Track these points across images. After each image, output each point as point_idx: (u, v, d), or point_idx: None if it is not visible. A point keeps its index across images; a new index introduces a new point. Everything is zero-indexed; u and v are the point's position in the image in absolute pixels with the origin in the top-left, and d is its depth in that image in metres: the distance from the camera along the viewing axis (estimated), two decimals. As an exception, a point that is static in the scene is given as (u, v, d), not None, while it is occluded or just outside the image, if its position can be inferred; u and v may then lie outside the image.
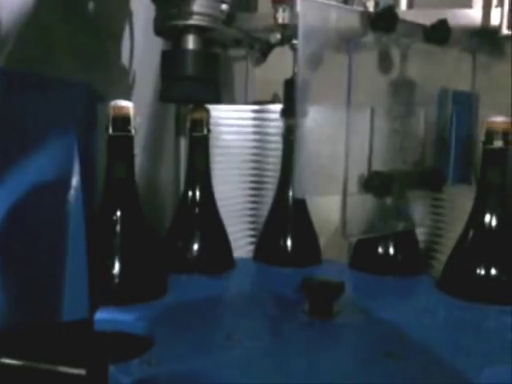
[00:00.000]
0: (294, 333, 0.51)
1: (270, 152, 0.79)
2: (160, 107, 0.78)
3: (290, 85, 0.69)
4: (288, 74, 0.79)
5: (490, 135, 0.58)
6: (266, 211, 0.79)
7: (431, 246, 0.74)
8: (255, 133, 0.80)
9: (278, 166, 0.78)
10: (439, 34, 0.56)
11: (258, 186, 0.81)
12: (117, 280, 0.54)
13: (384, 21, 0.51)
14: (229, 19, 0.63)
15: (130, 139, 0.55)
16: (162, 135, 0.82)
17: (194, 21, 0.59)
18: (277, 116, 0.78)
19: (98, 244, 0.53)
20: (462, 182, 0.64)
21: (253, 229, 0.82)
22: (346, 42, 0.50)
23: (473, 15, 0.62)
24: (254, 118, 0.80)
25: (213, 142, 0.71)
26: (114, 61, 0.73)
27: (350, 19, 0.51)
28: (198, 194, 0.69)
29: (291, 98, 0.68)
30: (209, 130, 0.68)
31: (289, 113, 0.70)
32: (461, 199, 0.66)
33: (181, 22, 0.59)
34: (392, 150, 0.55)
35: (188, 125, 0.68)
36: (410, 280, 0.68)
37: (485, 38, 0.60)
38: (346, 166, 0.52)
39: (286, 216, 0.75)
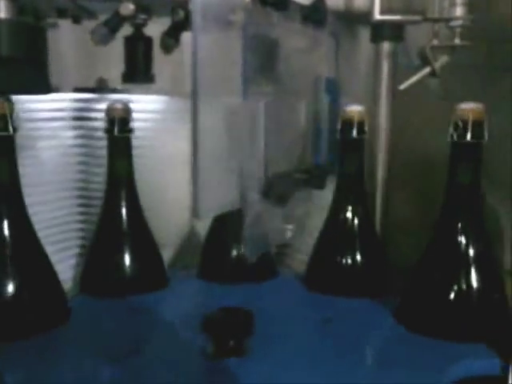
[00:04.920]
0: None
1: (101, 152, 0.64)
2: None
3: (132, 43, 0.55)
4: (104, 55, 0.65)
5: (347, 125, 0.55)
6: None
7: (290, 244, 0.70)
8: (79, 128, 0.64)
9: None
10: (318, 14, 0.50)
11: (85, 194, 0.65)
12: None
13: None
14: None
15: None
16: None
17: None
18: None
19: None
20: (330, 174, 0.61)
21: (82, 246, 0.66)
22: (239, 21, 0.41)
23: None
24: (77, 110, 0.63)
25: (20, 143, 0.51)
26: None
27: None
28: (5, 222, 0.49)
29: (134, 60, 0.56)
30: (14, 129, 0.48)
31: (132, 78, 0.56)
32: (322, 193, 0.63)
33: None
34: (281, 147, 0.47)
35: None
36: (272, 284, 0.62)
37: (349, 22, 0.57)
38: (242, 170, 0.42)
39: (119, 233, 0.60)
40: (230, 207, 0.43)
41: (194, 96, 0.36)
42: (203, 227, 0.71)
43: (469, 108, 0.45)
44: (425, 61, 0.55)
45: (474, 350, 0.44)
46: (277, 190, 0.44)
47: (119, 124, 0.57)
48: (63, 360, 0.45)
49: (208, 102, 0.39)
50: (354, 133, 0.55)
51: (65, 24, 0.67)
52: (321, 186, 0.52)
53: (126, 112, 0.57)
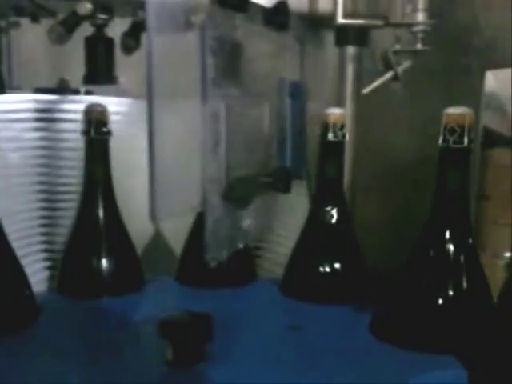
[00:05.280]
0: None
1: (64, 153, 0.63)
2: None
3: (93, 44, 0.55)
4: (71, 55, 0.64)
5: (327, 128, 0.55)
6: (62, 228, 0.64)
7: (262, 246, 0.70)
8: (41, 129, 0.62)
9: (76, 172, 0.63)
10: (280, 17, 0.50)
11: (49, 196, 0.64)
12: None
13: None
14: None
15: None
16: None
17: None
18: (71, 107, 0.62)
19: None
20: (295, 177, 0.61)
21: (45, 250, 0.65)
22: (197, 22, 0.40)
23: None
24: (39, 111, 0.62)
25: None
26: None
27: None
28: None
29: (95, 61, 0.55)
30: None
31: (93, 79, 0.56)
32: (290, 195, 0.62)
33: None
34: (243, 150, 0.47)
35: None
36: (249, 288, 0.63)
37: (314, 25, 0.57)
38: (204, 173, 0.42)
39: (96, 234, 0.60)
40: (192, 211, 0.43)
41: (149, 98, 0.35)
42: (171, 231, 0.71)
43: (462, 113, 0.44)
44: (387, 65, 0.55)
45: (442, 362, 0.43)
46: (238, 194, 0.43)
47: (96, 126, 0.57)
48: (19, 361, 0.44)
49: (165, 104, 0.38)
50: (336, 136, 0.55)
51: (30, 24, 0.66)
52: (286, 189, 0.52)
53: (104, 114, 0.57)
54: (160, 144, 0.37)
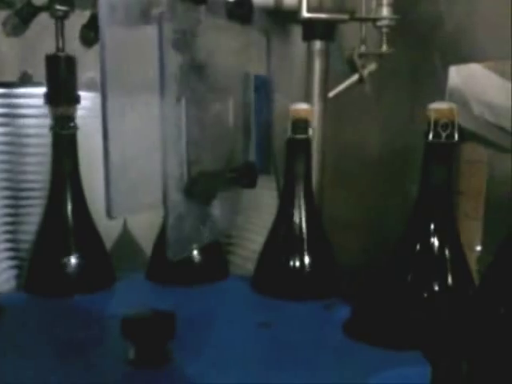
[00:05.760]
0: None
1: (28, 149, 0.62)
2: None
3: (54, 62, 0.54)
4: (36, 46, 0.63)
5: (295, 124, 0.55)
6: (27, 226, 0.63)
7: (231, 241, 0.69)
8: (4, 125, 0.61)
9: (40, 168, 0.62)
10: (243, 11, 0.49)
11: (14, 194, 0.63)
12: None
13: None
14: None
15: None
16: None
17: None
18: (34, 102, 0.61)
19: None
20: (261, 172, 0.60)
21: (11, 249, 0.64)
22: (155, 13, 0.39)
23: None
24: (1, 106, 0.61)
25: None
26: None
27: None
28: None
29: (58, 80, 0.54)
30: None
31: (56, 99, 0.55)
32: (260, 190, 0.62)
33: None
34: (205, 146, 0.46)
35: None
36: (221, 285, 0.62)
37: (278, 19, 0.56)
38: (165, 168, 0.41)
39: (64, 231, 0.59)
40: (153, 208, 0.42)
41: (103, 91, 0.35)
42: (142, 227, 0.70)
43: (451, 107, 0.44)
44: (353, 68, 0.55)
45: (406, 358, 0.43)
46: (200, 189, 0.43)
47: (63, 121, 0.56)
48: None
49: (122, 98, 0.38)
50: (303, 132, 0.55)
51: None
52: (251, 184, 0.51)
53: (71, 109, 0.56)
54: (115, 139, 0.36)
